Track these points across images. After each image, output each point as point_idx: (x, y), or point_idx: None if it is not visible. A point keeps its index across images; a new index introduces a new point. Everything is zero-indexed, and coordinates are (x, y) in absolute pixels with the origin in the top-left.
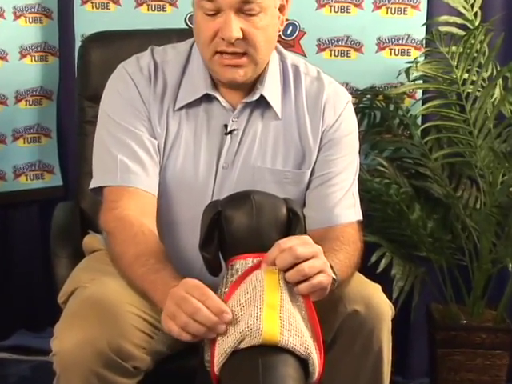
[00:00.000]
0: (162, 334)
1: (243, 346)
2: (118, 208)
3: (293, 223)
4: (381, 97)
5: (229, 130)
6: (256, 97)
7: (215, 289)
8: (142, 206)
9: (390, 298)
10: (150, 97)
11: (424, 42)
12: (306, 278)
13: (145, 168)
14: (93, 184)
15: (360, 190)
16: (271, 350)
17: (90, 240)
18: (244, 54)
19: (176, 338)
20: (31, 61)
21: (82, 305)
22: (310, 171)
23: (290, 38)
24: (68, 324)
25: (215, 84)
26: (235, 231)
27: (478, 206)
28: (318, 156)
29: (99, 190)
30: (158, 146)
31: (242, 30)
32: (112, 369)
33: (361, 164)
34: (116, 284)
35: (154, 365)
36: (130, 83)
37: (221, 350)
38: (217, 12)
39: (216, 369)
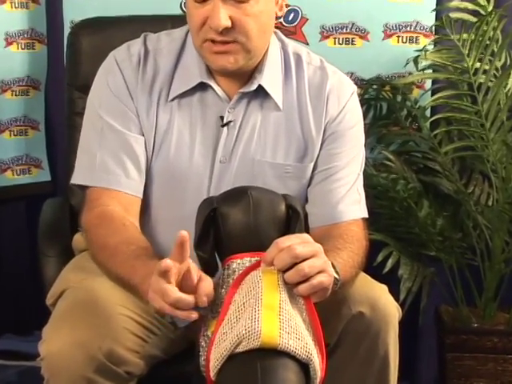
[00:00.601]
0: (156, 338)
1: (240, 349)
2: (99, 206)
3: (292, 221)
4: (388, 87)
5: (225, 121)
6: (254, 87)
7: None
8: (124, 204)
9: (396, 300)
10: (137, 88)
11: (434, 28)
12: (306, 279)
13: (126, 171)
14: (73, 179)
15: (365, 186)
16: (270, 353)
17: (80, 238)
18: (234, 41)
19: (171, 342)
20: (17, 48)
21: (72, 307)
22: (312, 165)
23: (292, 25)
24: (57, 327)
25: (211, 73)
26: (232, 229)
27: (490, 203)
28: (321, 149)
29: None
30: (147, 141)
31: (231, 17)
32: (103, 374)
33: (366, 158)
34: (108, 284)
35: (148, 370)
36: (118, 73)
37: (217, 354)
38: None
39: (212, 374)
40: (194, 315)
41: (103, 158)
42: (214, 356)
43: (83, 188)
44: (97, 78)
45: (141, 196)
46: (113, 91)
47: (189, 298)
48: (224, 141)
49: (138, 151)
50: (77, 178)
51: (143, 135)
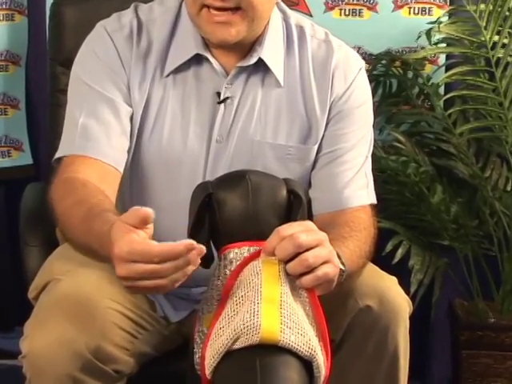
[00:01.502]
0: (147, 333)
1: (238, 345)
2: (68, 173)
3: (294, 207)
4: (398, 63)
5: (222, 97)
6: (253, 60)
7: (207, 282)
8: (99, 175)
9: (407, 293)
10: (132, 59)
11: None
12: (310, 270)
13: (109, 135)
14: (56, 155)
15: (374, 170)
16: (270, 350)
17: None
18: (237, 9)
19: (163, 338)
20: None
21: (56, 300)
22: (316, 147)
23: None
24: (40, 322)
25: (207, 45)
26: (229, 216)
27: (508, 188)
28: (325, 130)
29: None
30: (134, 115)
31: None
32: (90, 372)
33: (375, 140)
34: (95, 276)
35: (139, 368)
36: (109, 42)
37: (213, 351)
38: None
39: (207, 372)
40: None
41: (85, 124)
42: (210, 353)
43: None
44: (82, 48)
45: (121, 170)
46: (101, 58)
47: (179, 246)
48: (221, 119)
49: (125, 121)
50: (57, 154)
51: (131, 108)
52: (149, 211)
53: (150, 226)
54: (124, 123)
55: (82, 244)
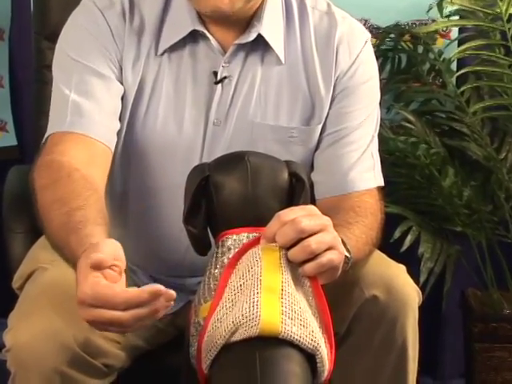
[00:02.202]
0: None
1: (237, 338)
2: (53, 153)
3: (296, 191)
4: (407, 37)
5: (219, 77)
6: (252, 36)
7: (203, 271)
8: (89, 154)
9: (416, 282)
10: (125, 37)
11: None
12: (313, 256)
13: (101, 113)
14: (44, 138)
15: (381, 151)
16: (271, 342)
17: None
18: None
19: (157, 331)
20: None
21: (42, 290)
22: (320, 127)
23: None
24: (25, 313)
25: (203, 21)
26: (226, 200)
27: None
28: (330, 108)
29: None
30: (127, 97)
31: None
32: (78, 367)
33: (382, 119)
34: None
35: (130, 362)
36: (100, 19)
37: (209, 344)
38: None
39: (204, 366)
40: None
41: (76, 100)
42: (207, 346)
43: None
44: (68, 22)
45: (113, 150)
46: (92, 34)
47: (144, 294)
48: (218, 100)
49: (116, 101)
50: (47, 134)
51: (123, 88)
52: (100, 257)
53: (121, 260)
54: (116, 103)
55: (57, 247)
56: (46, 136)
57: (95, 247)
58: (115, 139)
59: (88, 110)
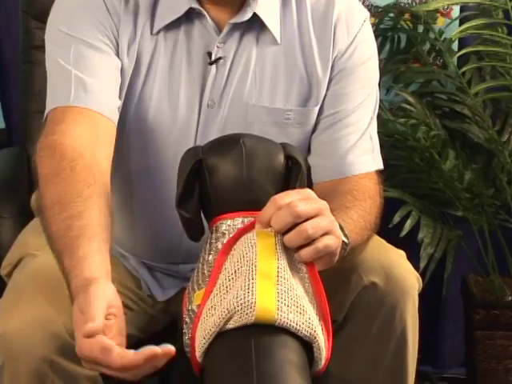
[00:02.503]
0: (131, 314)
1: (232, 325)
2: (56, 133)
3: (292, 174)
4: (407, 15)
5: (213, 58)
6: (247, 16)
7: (197, 257)
8: (94, 131)
9: (416, 268)
10: (121, 15)
11: None
12: (310, 242)
13: (104, 86)
14: (45, 114)
15: (380, 134)
16: (266, 329)
17: None
18: None
19: (150, 319)
20: None
21: (31, 277)
22: (317, 109)
23: None
24: (13, 301)
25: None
26: (221, 184)
27: None
28: (327, 90)
29: None
30: (123, 74)
31: None
32: (69, 356)
33: (381, 101)
34: None
35: None
36: None
37: (203, 332)
38: None
39: (198, 354)
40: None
41: (79, 76)
42: (201, 333)
43: None
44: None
45: (116, 124)
46: (86, 9)
47: (140, 361)
48: (212, 81)
49: (116, 77)
50: (48, 108)
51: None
52: (91, 329)
53: (116, 304)
54: (116, 78)
55: (54, 251)
56: (47, 111)
57: (86, 299)
58: (118, 115)
59: (91, 85)
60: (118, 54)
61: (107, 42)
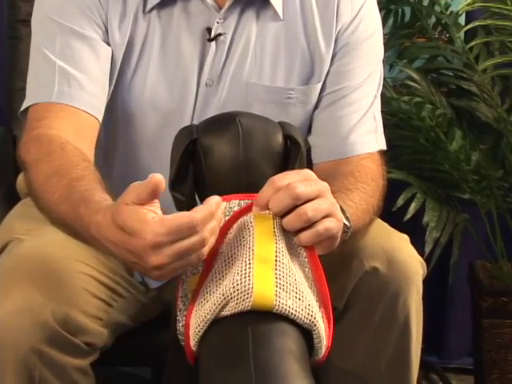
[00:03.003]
0: (123, 301)
1: (228, 312)
2: (40, 127)
3: (291, 154)
4: None
5: (213, 34)
6: None
7: None
8: (77, 127)
9: (421, 253)
10: None
11: None
12: (310, 225)
13: (90, 80)
14: (24, 104)
15: (383, 112)
16: (264, 316)
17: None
18: None
19: (142, 306)
20: None
21: (17, 263)
22: (320, 86)
23: None
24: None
25: None
26: (216, 165)
27: None
28: (330, 66)
29: None
30: (114, 57)
31: None
32: (57, 345)
33: (384, 77)
34: (62, 236)
35: (113, 340)
36: None
37: (198, 319)
38: None
39: (192, 343)
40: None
41: (63, 67)
42: (196, 321)
43: None
44: None
45: (100, 120)
46: None
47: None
48: (211, 59)
49: (105, 64)
50: (27, 101)
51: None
52: (157, 178)
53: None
54: (104, 67)
55: (62, 223)
56: (27, 104)
57: (134, 189)
58: (104, 106)
59: (76, 79)
60: (107, 40)
61: (95, 28)
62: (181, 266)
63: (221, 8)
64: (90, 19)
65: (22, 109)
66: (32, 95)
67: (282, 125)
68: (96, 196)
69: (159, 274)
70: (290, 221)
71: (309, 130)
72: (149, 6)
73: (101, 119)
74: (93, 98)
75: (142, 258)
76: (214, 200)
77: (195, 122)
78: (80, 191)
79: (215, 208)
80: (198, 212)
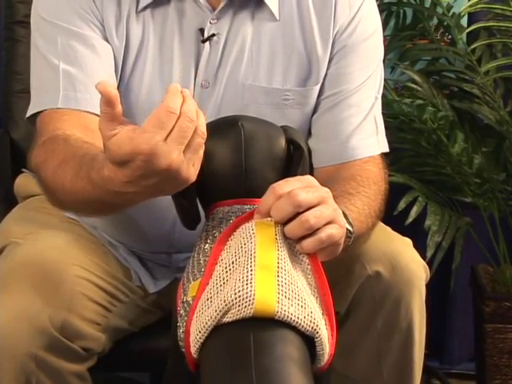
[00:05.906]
0: (121, 306)
1: (229, 318)
2: (48, 133)
3: (294, 160)
4: None
5: (206, 35)
6: None
7: (190, 246)
8: (84, 127)
9: (423, 257)
10: None
11: None
12: (312, 232)
13: (95, 80)
14: (30, 110)
15: (384, 115)
16: (266, 323)
17: (25, 181)
18: None
19: (141, 311)
20: None
21: (15, 267)
22: (318, 88)
23: None
24: None
25: None
26: (218, 170)
27: None
28: (328, 68)
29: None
30: (115, 59)
31: None
32: (55, 351)
33: (385, 79)
34: (60, 240)
35: (111, 345)
36: None
37: (199, 325)
38: None
39: (193, 350)
40: None
41: (68, 71)
42: (196, 327)
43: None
44: None
45: None
46: None
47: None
48: (206, 60)
49: (108, 63)
50: (34, 107)
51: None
52: (102, 83)
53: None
54: (107, 65)
55: (80, 201)
56: (33, 111)
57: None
58: None
59: (81, 82)
60: (106, 38)
61: (92, 27)
62: (192, 152)
63: (214, 9)
64: (86, 19)
65: (27, 115)
66: (38, 101)
67: (285, 129)
68: (99, 157)
69: (186, 171)
70: (292, 228)
71: (309, 134)
72: (141, 5)
73: None
74: (98, 98)
75: (160, 167)
76: (171, 87)
77: None
78: (86, 162)
79: (175, 89)
80: (166, 101)
